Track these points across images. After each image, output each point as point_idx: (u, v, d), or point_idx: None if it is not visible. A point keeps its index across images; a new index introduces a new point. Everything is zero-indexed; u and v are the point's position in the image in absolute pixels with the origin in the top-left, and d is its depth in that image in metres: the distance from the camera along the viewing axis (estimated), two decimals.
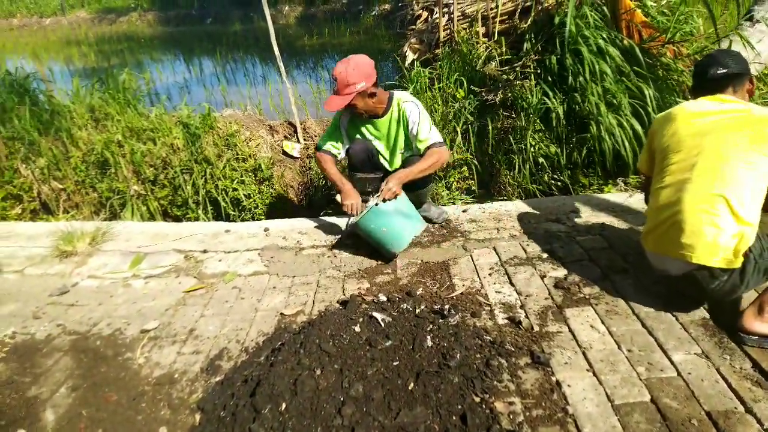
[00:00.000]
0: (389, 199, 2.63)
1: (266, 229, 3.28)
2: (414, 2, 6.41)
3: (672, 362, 1.89)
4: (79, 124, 4.73)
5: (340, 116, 3.03)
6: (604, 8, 4.04)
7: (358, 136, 3.04)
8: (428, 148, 2.83)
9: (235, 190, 4.27)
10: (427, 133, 2.84)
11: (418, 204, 3.02)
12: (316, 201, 4.44)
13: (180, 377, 2.07)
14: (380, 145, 3.03)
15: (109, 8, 20.40)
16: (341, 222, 3.17)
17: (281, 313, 2.41)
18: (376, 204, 2.59)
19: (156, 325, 2.41)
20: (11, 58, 12.74)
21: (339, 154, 3.07)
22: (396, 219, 2.66)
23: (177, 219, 4.31)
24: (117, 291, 2.73)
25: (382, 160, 3.07)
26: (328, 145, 3.04)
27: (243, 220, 4.14)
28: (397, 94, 2.94)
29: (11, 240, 3.37)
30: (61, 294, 2.73)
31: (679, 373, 1.84)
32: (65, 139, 4.63)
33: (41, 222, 4.03)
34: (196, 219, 4.21)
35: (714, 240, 1.93)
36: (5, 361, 2.25)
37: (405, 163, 2.99)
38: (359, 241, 2.82)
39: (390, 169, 3.08)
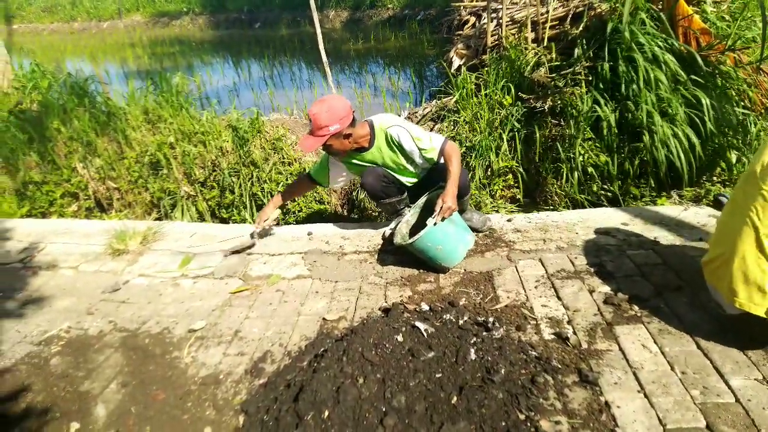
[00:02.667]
0: (448, 216, 2.60)
1: (309, 233, 3.31)
2: (461, 7, 6.37)
3: (729, 387, 1.80)
4: (134, 126, 4.91)
5: (329, 157, 3.06)
6: (661, 14, 3.91)
7: (351, 167, 3.05)
8: (440, 153, 2.81)
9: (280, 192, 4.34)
10: (429, 142, 2.80)
11: (459, 211, 2.97)
12: (358, 206, 4.46)
13: (225, 378, 2.11)
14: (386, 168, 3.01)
15: (163, 12, 21.11)
16: (384, 228, 3.17)
17: (323, 318, 2.43)
18: (435, 223, 2.56)
19: (203, 325, 2.46)
20: (71, 60, 13.36)
21: (326, 185, 3.19)
22: (451, 237, 2.62)
23: (224, 220, 4.41)
24: (166, 290, 2.81)
25: (396, 177, 3.04)
26: (315, 175, 3.18)
27: (287, 223, 4.19)
28: (377, 122, 2.89)
29: (68, 237, 3.52)
30: (113, 291, 2.83)
31: (737, 399, 1.75)
32: (120, 140, 4.81)
33: (96, 220, 4.20)
34: (243, 221, 4.30)
35: (760, 285, 1.81)
36: (61, 354, 2.34)
37: (432, 176, 2.98)
38: (401, 249, 2.81)
39: (408, 185, 3.08)
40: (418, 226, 2.72)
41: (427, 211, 2.70)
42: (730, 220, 1.95)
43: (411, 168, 2.96)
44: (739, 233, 1.86)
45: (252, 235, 3.05)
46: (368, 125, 2.88)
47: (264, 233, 3.12)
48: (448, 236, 2.60)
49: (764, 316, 1.83)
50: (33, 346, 2.42)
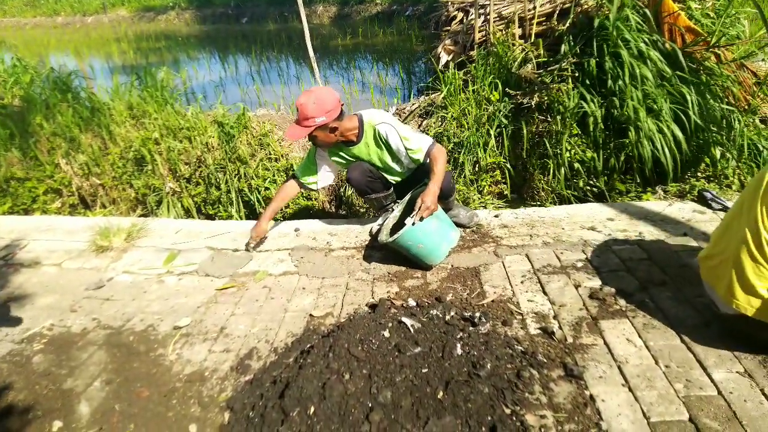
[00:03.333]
0: (426, 217, 2.58)
1: (297, 230, 3.30)
2: (449, 3, 6.37)
3: (712, 380, 1.82)
4: (118, 121, 4.84)
5: (316, 149, 3.02)
6: (646, 11, 3.93)
7: (338, 160, 3.02)
8: (426, 154, 2.79)
9: (267, 189, 4.31)
10: (417, 142, 2.78)
11: (445, 210, 2.97)
12: (346, 202, 4.45)
13: (210, 375, 2.09)
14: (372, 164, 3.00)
15: (149, 7, 20.90)
16: (371, 225, 3.16)
17: (310, 315, 2.42)
18: (413, 223, 2.54)
19: (188, 322, 2.44)
20: (55, 55, 13.17)
21: (314, 183, 3.10)
22: (432, 235, 2.61)
23: (210, 217, 4.37)
24: (151, 287, 2.78)
25: (382, 174, 3.03)
26: (302, 176, 3.09)
27: (274, 219, 4.16)
28: (366, 117, 2.86)
29: (51, 233, 3.48)
30: (96, 288, 2.80)
31: (719, 392, 1.77)
32: (104, 135, 4.75)
33: (79, 217, 4.14)
34: (229, 217, 4.26)
35: (757, 289, 1.80)
36: (43, 352, 2.31)
37: (417, 174, 2.97)
38: (386, 246, 2.80)
39: (393, 182, 3.07)
40: (402, 223, 2.71)
41: (411, 208, 2.70)
42: (736, 219, 1.92)
43: (396, 167, 2.96)
44: (743, 235, 1.83)
45: (248, 249, 3.02)
46: (357, 119, 2.86)
47: (258, 245, 3.09)
48: (429, 234, 2.59)
49: (759, 318, 1.83)
50: (14, 344, 2.38)
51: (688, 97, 3.57)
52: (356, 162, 2.93)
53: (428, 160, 2.79)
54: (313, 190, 3.19)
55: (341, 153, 2.96)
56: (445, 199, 2.88)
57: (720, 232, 2.04)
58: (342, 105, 2.75)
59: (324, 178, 3.11)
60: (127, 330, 2.43)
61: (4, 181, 4.67)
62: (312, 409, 1.71)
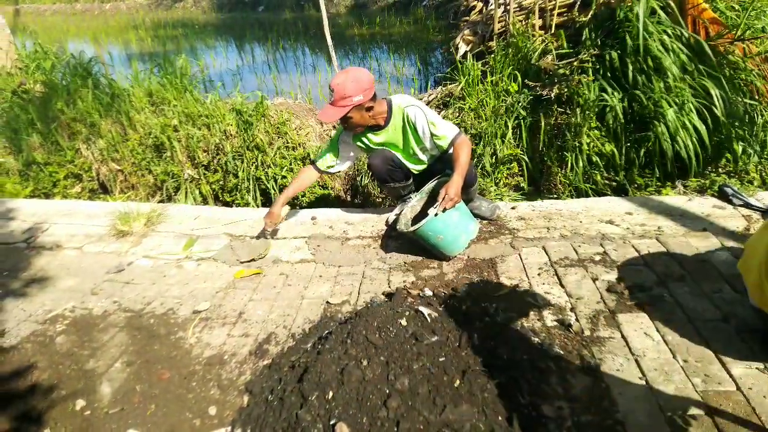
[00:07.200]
0: (450, 208, 2.57)
1: (313, 218, 3.32)
2: None
3: (731, 376, 1.81)
4: (138, 108, 4.89)
5: (341, 133, 2.99)
6: (670, 1, 3.86)
7: (361, 145, 3.00)
8: (451, 143, 2.76)
9: (284, 177, 4.33)
10: (443, 129, 2.76)
11: (467, 202, 2.96)
12: (362, 192, 4.46)
13: (229, 359, 2.13)
14: (395, 152, 2.97)
15: None
16: (388, 214, 3.17)
17: (327, 302, 2.44)
18: (436, 214, 2.53)
19: (207, 306, 2.48)
20: (74, 42, 13.29)
21: (332, 167, 3.07)
22: (452, 227, 2.60)
23: (227, 204, 4.41)
24: (170, 272, 2.82)
25: (403, 162, 3.01)
26: (321, 162, 3.06)
27: (291, 207, 4.19)
28: (396, 100, 2.85)
29: (72, 217, 3.53)
30: (117, 272, 2.84)
31: (738, 388, 1.76)
32: (124, 121, 4.79)
33: (99, 201, 4.20)
34: (246, 205, 4.29)
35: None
36: (66, 333, 2.36)
37: (439, 165, 2.96)
38: (404, 235, 2.81)
39: (414, 172, 3.06)
40: (424, 212, 2.71)
41: (433, 198, 2.69)
42: None
43: (420, 153, 2.94)
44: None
45: (265, 237, 3.04)
46: (386, 103, 2.85)
47: (275, 231, 3.12)
48: (449, 226, 2.59)
49: None
50: (38, 324, 2.43)
51: (712, 92, 3.52)
52: (379, 149, 2.93)
53: (451, 151, 2.78)
54: (330, 174, 3.18)
55: (366, 138, 2.94)
56: (466, 188, 2.87)
57: (761, 230, 1.99)
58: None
59: (343, 164, 3.10)
60: (148, 313, 2.47)
61: (26, 166, 4.74)
62: (330, 393, 1.73)
